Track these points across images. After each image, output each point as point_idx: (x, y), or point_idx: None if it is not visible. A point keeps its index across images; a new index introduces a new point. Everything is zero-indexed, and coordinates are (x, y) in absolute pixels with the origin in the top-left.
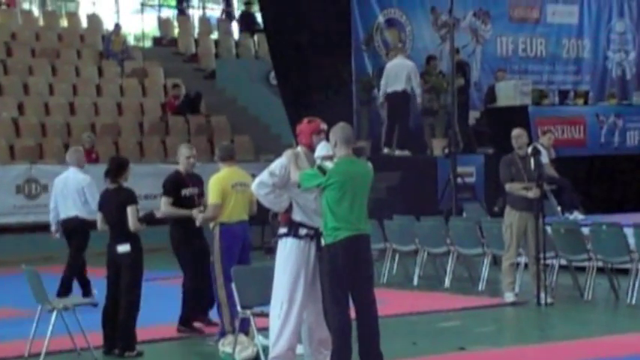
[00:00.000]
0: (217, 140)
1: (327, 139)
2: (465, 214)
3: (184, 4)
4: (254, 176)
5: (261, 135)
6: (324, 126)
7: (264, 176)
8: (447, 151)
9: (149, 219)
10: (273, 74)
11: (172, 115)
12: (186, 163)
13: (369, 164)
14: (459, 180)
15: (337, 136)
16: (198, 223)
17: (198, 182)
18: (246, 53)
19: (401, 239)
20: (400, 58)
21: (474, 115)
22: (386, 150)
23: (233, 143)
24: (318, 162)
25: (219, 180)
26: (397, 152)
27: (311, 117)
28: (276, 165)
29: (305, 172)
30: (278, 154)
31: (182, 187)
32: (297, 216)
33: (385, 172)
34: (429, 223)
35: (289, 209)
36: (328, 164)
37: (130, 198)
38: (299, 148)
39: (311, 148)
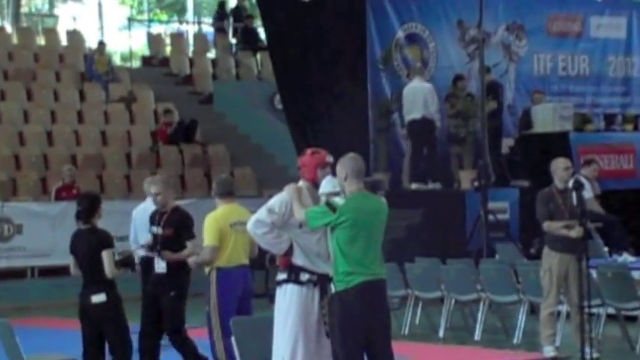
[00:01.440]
0: (215, 173)
1: (334, 174)
2: (497, 256)
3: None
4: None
5: (264, 167)
6: (330, 159)
7: (261, 214)
8: (476, 184)
9: (129, 262)
10: (278, 98)
11: (164, 145)
12: (152, 199)
13: (384, 200)
14: (491, 217)
15: (347, 169)
16: (192, 267)
17: (171, 222)
18: (247, 74)
19: (424, 285)
20: (417, 80)
21: (507, 143)
22: (414, 186)
23: (233, 176)
24: (324, 199)
25: (215, 219)
26: (430, 185)
27: (315, 148)
28: (276, 201)
29: (312, 210)
30: (283, 188)
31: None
32: (298, 259)
33: (406, 208)
34: (457, 267)
35: (289, 252)
36: (338, 200)
37: (106, 241)
38: (301, 183)
39: (315, 184)
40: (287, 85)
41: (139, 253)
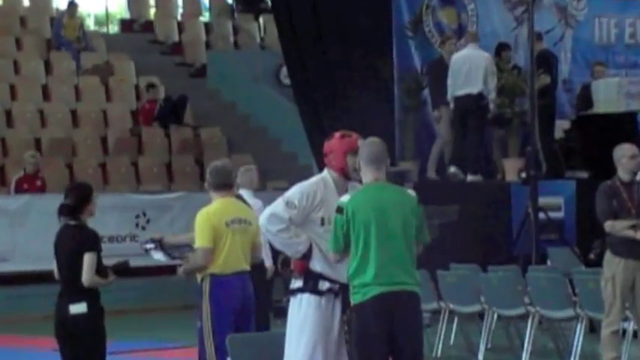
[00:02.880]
0: (208, 161)
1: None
2: (549, 263)
3: None
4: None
5: (268, 154)
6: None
7: (277, 207)
8: (524, 175)
9: (122, 268)
10: (284, 71)
11: (147, 127)
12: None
13: (411, 192)
14: (541, 215)
15: (362, 156)
16: (180, 274)
17: None
18: (248, 42)
19: (461, 297)
20: (472, 47)
21: (561, 126)
22: (452, 169)
23: (230, 164)
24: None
25: (209, 216)
26: (469, 177)
27: (345, 130)
28: (295, 192)
29: (331, 232)
30: (292, 180)
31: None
32: (317, 265)
33: (438, 204)
34: (500, 275)
35: (307, 255)
36: (344, 199)
37: (91, 242)
38: (326, 174)
39: (344, 174)
40: (296, 55)
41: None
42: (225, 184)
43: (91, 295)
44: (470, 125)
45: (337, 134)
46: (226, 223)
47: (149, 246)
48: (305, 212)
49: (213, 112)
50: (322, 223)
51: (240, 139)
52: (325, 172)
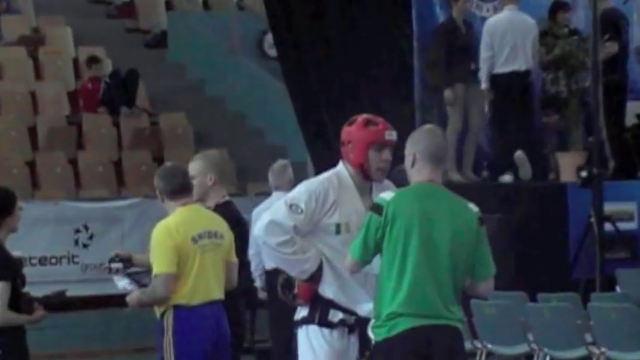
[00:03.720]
0: (171, 157)
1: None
2: (618, 289)
3: None
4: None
5: (248, 147)
6: (392, 135)
7: (278, 212)
8: (584, 174)
9: (57, 300)
10: (269, 39)
11: (89, 114)
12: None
13: (472, 206)
14: (608, 226)
15: (419, 148)
16: (132, 304)
17: None
18: (220, 2)
19: (502, 335)
20: (512, 9)
21: (634, 109)
22: (485, 172)
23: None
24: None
25: (169, 231)
26: (505, 177)
27: (371, 115)
28: (301, 193)
29: (359, 234)
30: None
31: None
32: (328, 289)
33: None
34: (553, 306)
35: (316, 275)
36: (386, 195)
37: (0, 268)
38: (341, 167)
39: (364, 171)
40: (285, 18)
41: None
42: (183, 188)
43: (7, 335)
44: (513, 111)
45: (360, 119)
46: (193, 238)
47: (115, 266)
48: (314, 218)
49: (175, 94)
50: (338, 231)
51: (211, 128)
52: (340, 166)
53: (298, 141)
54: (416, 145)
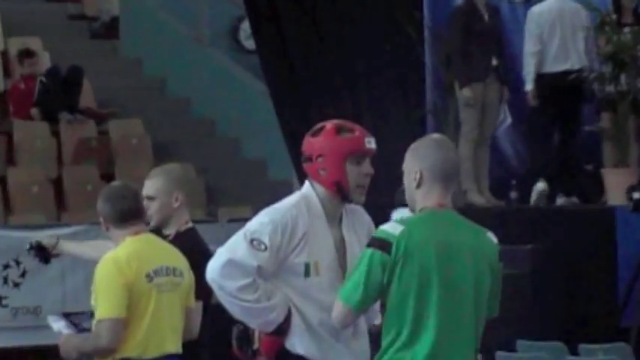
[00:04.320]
0: (124, 173)
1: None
2: None
3: None
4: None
5: (220, 162)
6: (371, 143)
7: (237, 249)
8: (637, 195)
9: None
10: (246, 27)
11: (22, 120)
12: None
13: (491, 236)
14: None
15: (426, 164)
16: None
17: None
18: None
19: None
20: None
21: None
22: (560, 199)
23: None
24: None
25: (117, 265)
26: (562, 200)
27: (340, 120)
28: (264, 224)
29: (348, 279)
30: (257, 204)
31: None
32: (298, 343)
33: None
34: None
35: (283, 327)
36: (391, 226)
37: None
38: (309, 190)
39: (342, 192)
40: (264, 1)
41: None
42: (134, 213)
43: None
44: (558, 118)
45: (329, 126)
46: (147, 275)
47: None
48: (280, 256)
49: (129, 95)
50: (307, 272)
51: (173, 138)
52: (307, 188)
53: (281, 153)
54: (421, 161)
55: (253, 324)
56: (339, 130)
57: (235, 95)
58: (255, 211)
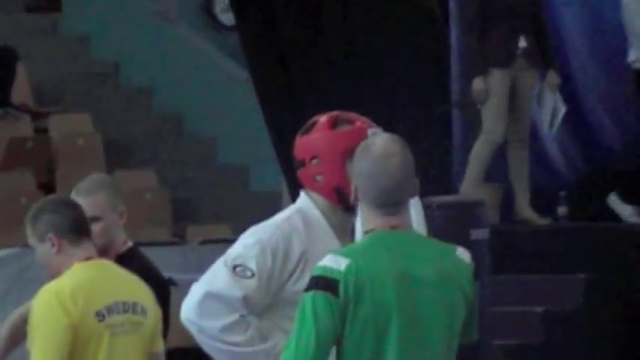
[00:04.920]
0: (67, 181)
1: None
2: None
3: None
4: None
5: (190, 168)
6: (375, 135)
7: (217, 278)
8: None
9: None
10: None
11: None
12: None
13: (462, 255)
14: None
15: (359, 180)
16: None
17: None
18: None
19: None
20: None
21: None
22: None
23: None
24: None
25: (59, 300)
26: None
27: (338, 111)
28: (249, 246)
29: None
30: (238, 223)
31: None
32: None
33: (535, 273)
34: None
35: None
36: (333, 262)
37: None
38: (305, 201)
39: (343, 201)
40: None
41: None
42: (87, 231)
43: None
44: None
45: (323, 120)
46: (98, 313)
47: None
48: (273, 284)
49: (75, 84)
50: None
51: (131, 137)
52: (302, 200)
53: (267, 158)
54: (356, 174)
55: None
56: (334, 123)
57: (209, 84)
58: (235, 231)
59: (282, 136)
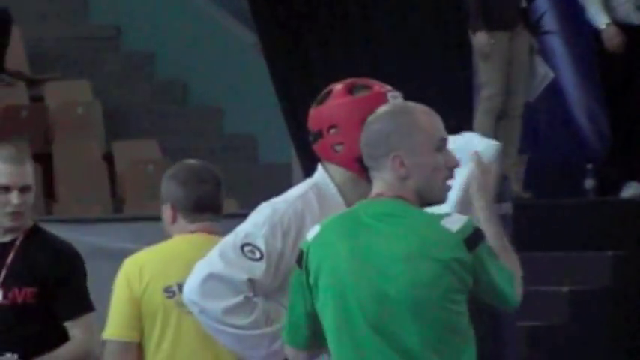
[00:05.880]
0: (65, 150)
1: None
2: None
3: None
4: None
5: (194, 138)
6: (397, 98)
7: (223, 258)
8: None
9: None
10: None
11: None
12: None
13: (448, 224)
14: None
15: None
16: None
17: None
18: None
19: None
20: None
21: None
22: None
23: (111, 167)
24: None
25: (126, 275)
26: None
27: (353, 78)
28: (258, 225)
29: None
30: (246, 200)
31: None
32: None
33: (557, 250)
34: None
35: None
36: (311, 230)
37: None
38: (322, 176)
39: (367, 171)
40: None
41: None
42: (202, 210)
43: None
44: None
45: (340, 87)
46: (167, 289)
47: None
48: (283, 266)
49: (73, 49)
50: None
51: (132, 106)
52: (319, 174)
53: (277, 129)
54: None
55: (253, 357)
56: (351, 88)
57: (215, 49)
58: (242, 205)
59: (293, 106)
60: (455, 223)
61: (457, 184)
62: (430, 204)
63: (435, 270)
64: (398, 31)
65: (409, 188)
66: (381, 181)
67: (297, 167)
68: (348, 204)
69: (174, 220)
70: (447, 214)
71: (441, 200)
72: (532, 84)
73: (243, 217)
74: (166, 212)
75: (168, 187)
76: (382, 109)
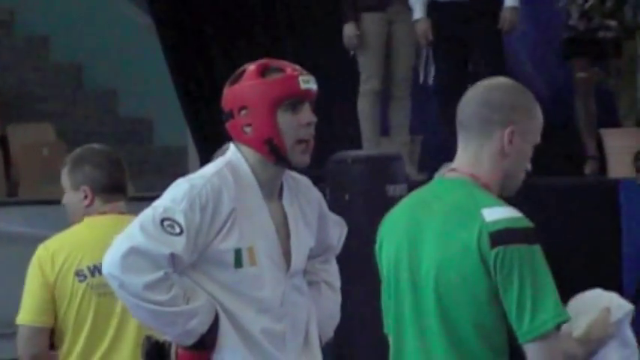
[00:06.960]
0: None
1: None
2: None
3: None
4: None
5: (89, 121)
6: (310, 83)
7: (143, 231)
8: None
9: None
10: None
11: None
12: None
13: (485, 212)
14: None
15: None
16: None
17: None
18: None
19: None
20: None
21: None
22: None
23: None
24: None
25: (38, 259)
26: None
27: (267, 59)
28: (177, 198)
29: None
30: (140, 179)
31: None
32: (231, 357)
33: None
34: None
35: (208, 338)
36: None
37: None
38: (235, 154)
39: (279, 152)
40: None
41: None
42: (116, 189)
43: None
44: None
45: (252, 68)
46: (78, 273)
47: None
48: (200, 241)
49: None
50: (238, 261)
51: (24, 89)
52: (232, 153)
53: (171, 112)
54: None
55: (168, 334)
56: (263, 70)
57: (110, 32)
58: (138, 187)
59: (188, 89)
60: (495, 214)
61: None
62: (505, 192)
63: (454, 251)
64: (298, 18)
65: (500, 168)
66: (465, 154)
67: (192, 150)
68: (261, 183)
69: (91, 202)
70: (499, 203)
71: (512, 192)
72: (419, 63)
73: (139, 199)
74: (78, 196)
75: (83, 170)
76: (505, 80)
